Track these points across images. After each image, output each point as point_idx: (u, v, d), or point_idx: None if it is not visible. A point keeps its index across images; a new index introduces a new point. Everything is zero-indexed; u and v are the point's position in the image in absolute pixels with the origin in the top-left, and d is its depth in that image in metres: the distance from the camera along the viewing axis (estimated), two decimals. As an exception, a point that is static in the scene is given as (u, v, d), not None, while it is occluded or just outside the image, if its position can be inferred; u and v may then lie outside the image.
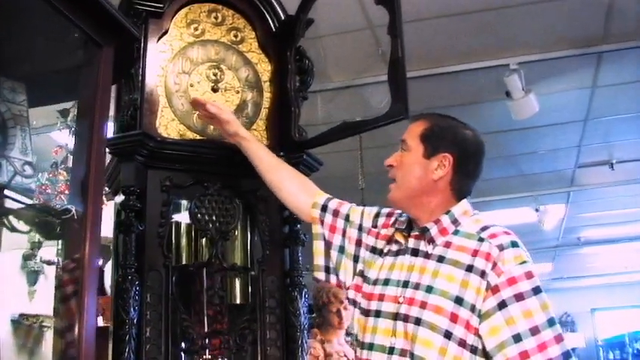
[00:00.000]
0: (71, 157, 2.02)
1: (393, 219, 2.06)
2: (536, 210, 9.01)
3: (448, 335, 1.72)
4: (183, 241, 2.36)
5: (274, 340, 2.28)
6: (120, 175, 2.21)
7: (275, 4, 2.54)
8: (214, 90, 2.41)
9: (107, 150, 1.99)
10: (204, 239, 2.33)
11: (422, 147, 1.94)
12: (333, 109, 5.53)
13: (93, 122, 1.72)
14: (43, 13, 1.63)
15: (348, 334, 4.06)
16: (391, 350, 1.80)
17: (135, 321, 2.07)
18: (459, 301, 1.74)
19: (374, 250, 2.04)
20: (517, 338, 1.67)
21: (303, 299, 2.33)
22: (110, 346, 2.10)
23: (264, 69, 2.53)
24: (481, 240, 1.80)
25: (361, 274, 2.02)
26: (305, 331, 2.32)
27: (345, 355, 3.73)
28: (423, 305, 1.77)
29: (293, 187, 2.24)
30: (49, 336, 4.90)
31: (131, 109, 2.25)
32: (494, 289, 1.72)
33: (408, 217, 1.99)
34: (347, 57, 5.29)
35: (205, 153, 2.32)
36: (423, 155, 1.94)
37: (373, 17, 4.70)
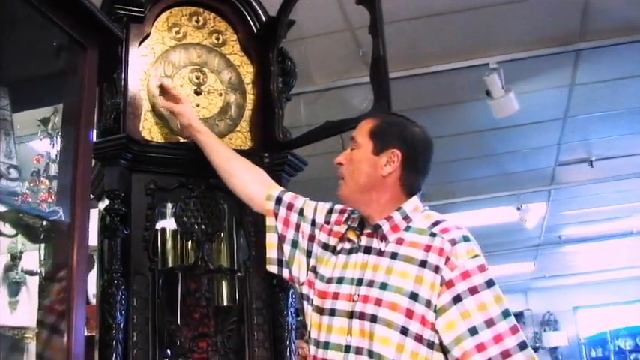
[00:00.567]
0: (53, 165, 2.01)
1: (345, 216, 2.05)
2: (518, 209, 9.04)
3: (404, 331, 1.72)
4: (169, 244, 2.35)
5: (262, 341, 2.29)
6: (104, 179, 2.21)
7: (256, 5, 2.54)
8: (197, 93, 2.42)
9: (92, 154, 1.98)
10: (189, 242, 2.32)
11: (371, 144, 1.94)
12: (317, 111, 5.53)
13: (79, 124, 1.72)
14: (27, 16, 1.63)
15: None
16: (347, 349, 1.80)
17: (121, 325, 2.07)
18: (414, 296, 1.74)
19: (326, 246, 2.03)
20: (473, 331, 1.68)
21: (290, 299, 2.34)
22: (96, 354, 2.08)
23: (247, 71, 2.54)
24: (433, 235, 1.81)
25: (313, 269, 2.02)
26: (293, 331, 2.32)
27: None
28: (378, 302, 1.77)
29: (247, 178, 2.23)
30: (31, 347, 4.84)
31: (114, 113, 2.25)
32: (448, 284, 1.73)
33: (360, 217, 1.99)
34: (329, 59, 5.29)
35: (189, 156, 2.32)
36: (372, 152, 1.93)
37: (353, 19, 4.71)
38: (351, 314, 1.82)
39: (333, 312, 1.87)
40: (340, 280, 1.90)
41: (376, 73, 2.21)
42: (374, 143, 1.94)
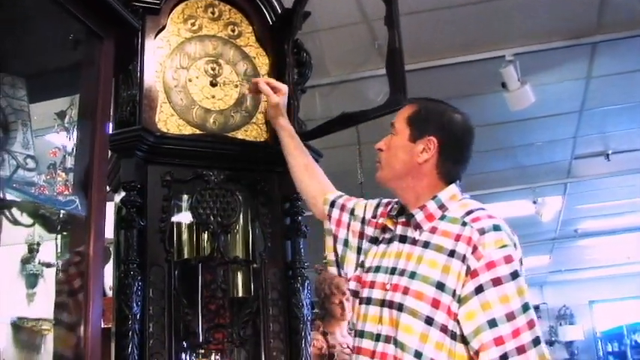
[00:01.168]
0: (69, 158, 2.02)
1: (390, 207, 2.06)
2: (534, 202, 9.01)
3: (429, 321, 1.72)
4: (185, 235, 2.36)
5: (277, 332, 2.29)
6: (120, 171, 2.21)
7: (271, -3, 2.54)
8: (213, 84, 2.42)
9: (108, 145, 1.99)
10: (205, 233, 2.32)
11: (408, 130, 1.95)
12: (332, 104, 5.53)
13: (95, 115, 1.73)
14: (44, 7, 1.64)
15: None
16: (377, 337, 1.81)
17: (138, 316, 2.07)
18: (440, 286, 1.73)
19: (372, 239, 2.05)
20: (492, 323, 1.66)
21: (306, 291, 2.34)
22: (112, 346, 2.09)
23: (262, 62, 2.54)
24: (464, 224, 1.79)
25: (362, 264, 2.03)
26: (308, 323, 2.32)
27: (348, 347, 3.72)
28: (406, 291, 1.78)
29: (314, 185, 2.28)
30: (49, 339, 4.89)
31: (130, 105, 2.26)
32: (473, 274, 1.71)
33: (399, 204, 1.99)
34: (344, 51, 5.29)
35: (205, 147, 2.32)
36: (408, 138, 1.94)
37: (369, 11, 4.70)
38: (382, 303, 1.83)
39: (369, 301, 1.89)
40: (377, 269, 1.92)
41: (392, 65, 2.20)
42: (411, 130, 1.94)
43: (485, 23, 5.08)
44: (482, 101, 5.97)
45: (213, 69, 2.43)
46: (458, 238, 1.78)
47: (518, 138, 7.12)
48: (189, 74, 2.39)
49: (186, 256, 2.33)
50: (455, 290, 1.72)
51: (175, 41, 2.41)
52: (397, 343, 1.75)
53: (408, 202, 1.94)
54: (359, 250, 2.09)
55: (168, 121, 2.32)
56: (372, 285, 1.90)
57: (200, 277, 2.32)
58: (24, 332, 4.95)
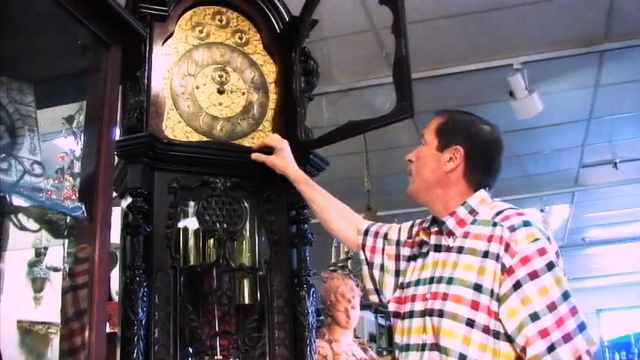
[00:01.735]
0: (77, 162, 2.03)
1: (425, 225, 2.08)
2: (541, 210, 9.01)
3: (470, 323, 1.74)
4: (191, 242, 2.36)
5: (283, 339, 2.29)
6: (127, 177, 2.22)
7: (279, 5, 2.55)
8: (220, 92, 2.42)
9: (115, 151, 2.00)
10: (211, 240, 2.32)
11: (436, 140, 2.00)
12: (339, 111, 5.54)
13: (102, 122, 1.73)
14: (51, 13, 1.64)
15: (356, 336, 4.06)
16: (423, 347, 1.84)
17: (143, 322, 2.07)
18: (477, 288, 1.76)
19: (409, 258, 2.08)
20: (535, 317, 1.67)
21: (311, 299, 2.34)
22: (118, 351, 2.10)
23: (270, 70, 2.54)
24: (495, 225, 1.82)
25: (402, 286, 2.05)
26: (313, 331, 2.32)
27: (354, 355, 3.72)
28: (445, 297, 1.80)
29: (343, 223, 2.31)
30: (55, 342, 4.89)
31: (137, 112, 2.26)
32: (509, 271, 1.73)
33: (432, 216, 2.02)
34: (351, 59, 5.31)
35: (212, 154, 2.33)
36: (436, 148, 1.99)
37: (377, 19, 4.71)
38: (424, 313, 1.86)
39: (411, 314, 1.91)
40: (417, 283, 1.95)
41: (399, 74, 2.20)
42: (439, 140, 2.00)
43: (493, 32, 5.09)
44: (490, 110, 5.95)
45: (220, 76, 2.43)
46: (490, 238, 1.80)
47: (525, 146, 7.11)
48: (197, 81, 2.40)
49: (192, 263, 2.33)
50: (492, 290, 1.74)
51: (183, 48, 2.42)
52: (441, 349, 1.77)
53: (439, 212, 1.97)
54: (397, 273, 2.11)
55: (175, 128, 2.32)
56: (413, 298, 1.93)
57: (206, 284, 2.32)
58: (30, 335, 4.95)
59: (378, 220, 2.39)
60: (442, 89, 5.65)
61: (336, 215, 2.31)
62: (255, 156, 2.34)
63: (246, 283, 2.40)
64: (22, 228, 1.69)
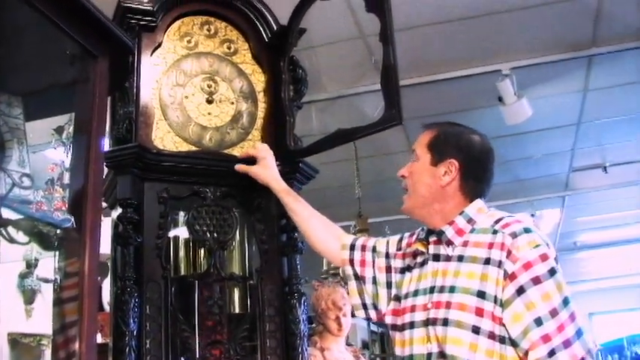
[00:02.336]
0: (67, 173, 2.02)
1: (415, 236, 2.09)
2: (532, 215, 9.02)
3: (476, 330, 1.75)
4: (182, 252, 2.36)
5: (274, 348, 2.29)
6: (117, 188, 2.22)
7: (267, 14, 2.55)
8: (209, 101, 2.42)
9: (103, 163, 2.00)
10: (202, 250, 2.32)
11: (429, 155, 2.00)
12: (328, 119, 5.56)
13: (90, 133, 1.73)
14: (38, 25, 1.64)
15: (348, 343, 4.05)
16: (429, 356, 1.84)
17: (134, 333, 2.07)
18: (481, 295, 1.77)
19: (402, 270, 2.08)
20: (539, 322, 1.69)
21: (302, 307, 2.34)
22: (110, 361, 2.10)
23: (258, 79, 2.54)
24: (495, 232, 1.84)
25: (396, 298, 2.06)
26: (305, 339, 2.32)
27: (346, 362, 3.73)
28: (448, 305, 1.81)
29: (325, 236, 2.29)
30: (47, 354, 4.87)
31: (126, 122, 2.26)
32: (511, 277, 1.74)
33: (427, 228, 2.02)
34: (340, 67, 5.32)
35: (201, 164, 2.33)
36: (430, 163, 1.99)
37: (365, 27, 4.72)
38: (426, 322, 1.86)
39: (412, 325, 1.92)
40: (416, 293, 1.96)
41: (387, 81, 2.21)
42: (432, 154, 2.00)
43: (482, 38, 5.10)
44: (479, 115, 5.98)
45: (209, 86, 2.44)
46: (491, 246, 1.82)
47: (515, 151, 7.13)
48: (186, 91, 2.40)
49: (182, 273, 2.33)
50: (496, 296, 1.76)
51: (171, 58, 2.42)
52: (448, 357, 1.78)
53: (436, 225, 1.97)
54: (389, 285, 2.11)
55: (164, 138, 2.32)
56: (412, 309, 1.93)
57: (197, 294, 2.32)
58: (22, 348, 4.93)
59: (370, 227, 2.40)
60: (431, 96, 5.67)
61: (318, 227, 2.30)
62: (238, 167, 2.34)
63: (237, 292, 2.40)
64: (12, 241, 1.68)
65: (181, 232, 2.36)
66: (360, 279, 2.18)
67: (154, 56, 2.38)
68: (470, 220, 1.92)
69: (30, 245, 1.83)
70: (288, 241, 2.39)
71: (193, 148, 2.36)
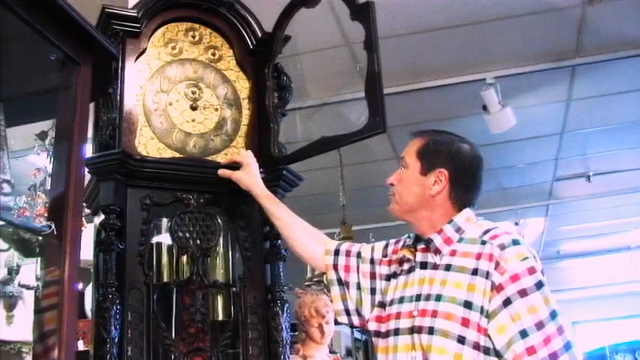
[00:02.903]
0: (49, 179, 2.01)
1: (401, 243, 2.09)
2: (516, 224, 9.05)
3: (462, 340, 1.75)
4: (164, 258, 2.35)
5: (256, 356, 2.28)
6: (99, 194, 2.21)
7: (252, 21, 2.55)
8: (193, 108, 2.42)
9: (86, 169, 1.98)
10: (185, 257, 2.32)
11: (419, 164, 1.99)
12: (313, 126, 5.56)
13: (72, 140, 1.72)
14: (20, 31, 1.63)
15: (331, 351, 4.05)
16: None
17: (116, 340, 2.06)
18: (468, 305, 1.77)
19: (388, 277, 2.07)
20: (524, 334, 1.69)
21: (285, 314, 2.33)
22: (91, 368, 2.08)
23: (243, 86, 2.54)
24: (483, 243, 1.83)
25: (380, 304, 2.05)
26: (287, 347, 2.32)
27: (329, 370, 3.72)
28: (434, 314, 1.80)
29: (308, 241, 2.27)
30: (28, 361, 4.82)
31: (110, 129, 2.25)
32: (498, 288, 1.74)
33: (415, 234, 2.02)
34: (325, 74, 5.32)
35: (185, 171, 2.32)
36: (420, 172, 1.98)
37: (350, 34, 4.73)
38: (411, 330, 1.85)
39: (397, 332, 1.91)
40: (401, 300, 1.95)
41: (371, 89, 2.21)
42: (421, 163, 1.99)
43: (466, 46, 5.13)
44: (464, 124, 6.00)
45: (193, 92, 2.43)
46: (479, 256, 1.81)
47: (499, 160, 7.16)
48: (170, 98, 2.39)
49: (165, 280, 2.33)
50: (482, 307, 1.75)
51: (156, 65, 2.41)
52: None
53: (424, 231, 1.97)
54: (373, 291, 2.10)
55: (148, 145, 2.32)
56: (398, 316, 1.92)
57: (179, 301, 2.31)
58: (2, 355, 4.89)
59: (354, 234, 2.39)
60: (415, 104, 5.68)
61: (301, 233, 2.28)
62: (221, 172, 2.33)
63: (219, 299, 2.39)
64: (-8, 248, 1.67)
65: (164, 238, 2.36)
66: (343, 284, 2.17)
67: (138, 62, 2.37)
68: (458, 230, 1.92)
69: (11, 252, 1.82)
70: (271, 248, 2.38)
71: (177, 155, 2.35)
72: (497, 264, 1.76)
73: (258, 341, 2.29)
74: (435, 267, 1.90)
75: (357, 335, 9.41)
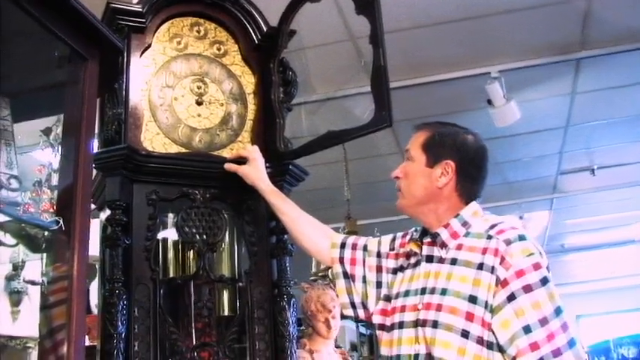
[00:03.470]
0: (55, 175, 2.01)
1: (408, 236, 2.09)
2: (521, 217, 9.05)
3: (465, 334, 1.75)
4: (171, 254, 2.36)
5: (263, 350, 2.28)
6: (105, 189, 2.21)
7: (257, 16, 2.54)
8: (198, 103, 2.42)
9: (93, 165, 1.98)
10: (191, 252, 2.32)
11: (424, 156, 1.99)
12: (318, 121, 5.55)
13: (79, 135, 1.72)
14: (28, 26, 1.63)
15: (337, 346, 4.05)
16: (416, 357, 1.83)
17: (123, 335, 2.06)
18: (472, 299, 1.77)
19: (395, 270, 2.07)
20: (527, 329, 1.69)
21: (292, 309, 2.33)
22: (98, 364, 2.09)
23: (248, 81, 2.54)
24: (489, 237, 1.83)
25: (386, 298, 2.05)
26: (294, 341, 2.32)
27: (335, 365, 3.73)
28: (439, 308, 1.80)
29: (314, 235, 2.28)
30: (33, 357, 4.84)
31: (115, 124, 2.25)
32: (503, 283, 1.74)
33: (422, 228, 2.02)
34: (330, 69, 5.31)
35: (191, 166, 2.32)
36: (425, 164, 1.98)
37: (354, 29, 4.72)
38: (416, 323, 1.85)
39: (401, 325, 1.91)
40: (407, 293, 1.95)
41: (377, 83, 2.21)
42: (427, 156, 1.98)
43: (470, 40, 5.11)
44: (468, 118, 5.97)
45: (198, 87, 2.43)
46: (485, 251, 1.81)
47: (504, 154, 7.15)
48: (175, 93, 2.39)
49: (171, 275, 2.33)
50: (487, 301, 1.75)
51: (161, 60, 2.41)
52: (435, 359, 1.77)
53: (431, 224, 1.97)
54: (379, 284, 2.10)
55: (153, 140, 2.32)
56: (402, 309, 1.93)
57: (186, 296, 2.31)
58: (8, 351, 4.90)
59: (359, 229, 2.39)
60: (420, 98, 5.67)
61: (307, 227, 2.28)
62: (227, 166, 2.33)
63: (226, 294, 2.40)
64: (0, 243, 1.68)
65: (170, 234, 2.36)
66: (349, 277, 2.17)
67: (143, 58, 2.37)
68: (465, 224, 1.92)
69: (17, 247, 1.82)
70: (277, 243, 2.39)
71: (183, 150, 2.35)
72: (503, 259, 1.76)
73: (265, 336, 2.30)
74: (441, 261, 1.90)
75: (362, 330, 9.42)
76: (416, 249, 1.98)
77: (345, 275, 2.18)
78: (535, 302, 1.71)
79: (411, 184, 2.00)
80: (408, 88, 5.45)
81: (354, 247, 2.20)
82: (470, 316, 1.76)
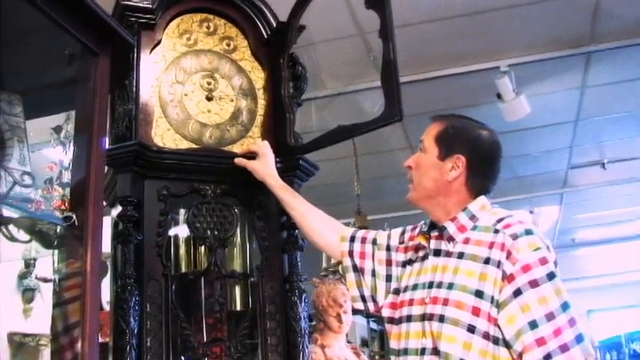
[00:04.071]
0: (66, 172, 2.01)
1: (417, 230, 2.09)
2: (531, 212, 9.02)
3: (471, 329, 1.74)
4: (182, 249, 2.36)
5: (275, 345, 2.28)
6: (116, 186, 2.21)
7: (266, 11, 2.54)
8: (209, 99, 2.42)
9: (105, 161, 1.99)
10: (202, 247, 2.32)
11: (437, 149, 1.98)
12: (328, 116, 5.55)
13: (91, 132, 1.73)
14: (39, 23, 1.64)
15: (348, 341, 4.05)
16: (422, 351, 1.84)
17: (135, 331, 2.07)
18: (479, 294, 1.76)
19: (404, 263, 2.08)
20: (533, 325, 1.68)
21: (303, 304, 2.34)
22: (110, 360, 2.09)
23: (258, 76, 2.54)
24: (496, 232, 1.83)
25: (395, 291, 2.05)
26: (306, 336, 2.32)
27: (347, 360, 3.73)
28: (445, 302, 1.80)
29: (324, 229, 2.28)
30: (46, 354, 4.86)
31: (126, 120, 2.26)
32: (509, 278, 1.73)
33: (430, 221, 2.02)
34: (339, 63, 5.31)
35: (201, 161, 2.33)
36: (437, 157, 1.97)
37: (364, 23, 4.72)
38: (423, 317, 1.86)
39: (409, 318, 1.91)
40: (415, 287, 1.95)
41: (387, 78, 2.21)
42: (439, 148, 1.98)
43: (480, 35, 5.10)
44: (478, 112, 5.90)
45: (208, 83, 2.43)
46: (491, 245, 1.81)
47: (514, 148, 7.13)
48: (185, 89, 2.39)
49: (183, 271, 2.34)
50: (493, 296, 1.75)
51: (171, 56, 2.41)
52: (441, 354, 1.77)
53: (439, 218, 1.97)
54: (388, 278, 2.10)
55: (164, 136, 2.32)
56: (410, 303, 1.93)
57: (197, 292, 2.32)
58: (21, 348, 4.92)
59: (369, 224, 2.39)
60: (429, 92, 5.66)
61: (317, 221, 2.29)
62: (237, 160, 2.34)
63: (237, 289, 2.40)
64: (13, 239, 1.68)
65: (181, 229, 2.36)
66: (359, 271, 2.17)
67: (153, 54, 2.38)
68: (472, 217, 1.91)
69: (29, 244, 1.83)
70: (288, 238, 2.39)
71: (193, 146, 2.36)
72: (509, 254, 1.76)
73: (277, 331, 2.30)
74: (448, 254, 1.90)
75: (373, 326, 9.43)
76: (424, 242, 1.99)
77: (355, 269, 2.18)
78: (541, 297, 1.70)
79: (422, 176, 2.00)
80: (417, 82, 5.44)
81: (363, 240, 2.20)
82: (476, 311, 1.75)
